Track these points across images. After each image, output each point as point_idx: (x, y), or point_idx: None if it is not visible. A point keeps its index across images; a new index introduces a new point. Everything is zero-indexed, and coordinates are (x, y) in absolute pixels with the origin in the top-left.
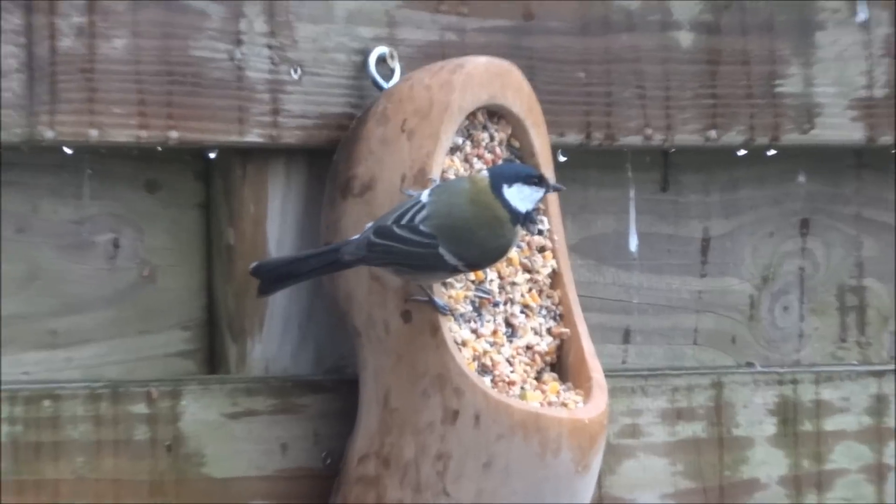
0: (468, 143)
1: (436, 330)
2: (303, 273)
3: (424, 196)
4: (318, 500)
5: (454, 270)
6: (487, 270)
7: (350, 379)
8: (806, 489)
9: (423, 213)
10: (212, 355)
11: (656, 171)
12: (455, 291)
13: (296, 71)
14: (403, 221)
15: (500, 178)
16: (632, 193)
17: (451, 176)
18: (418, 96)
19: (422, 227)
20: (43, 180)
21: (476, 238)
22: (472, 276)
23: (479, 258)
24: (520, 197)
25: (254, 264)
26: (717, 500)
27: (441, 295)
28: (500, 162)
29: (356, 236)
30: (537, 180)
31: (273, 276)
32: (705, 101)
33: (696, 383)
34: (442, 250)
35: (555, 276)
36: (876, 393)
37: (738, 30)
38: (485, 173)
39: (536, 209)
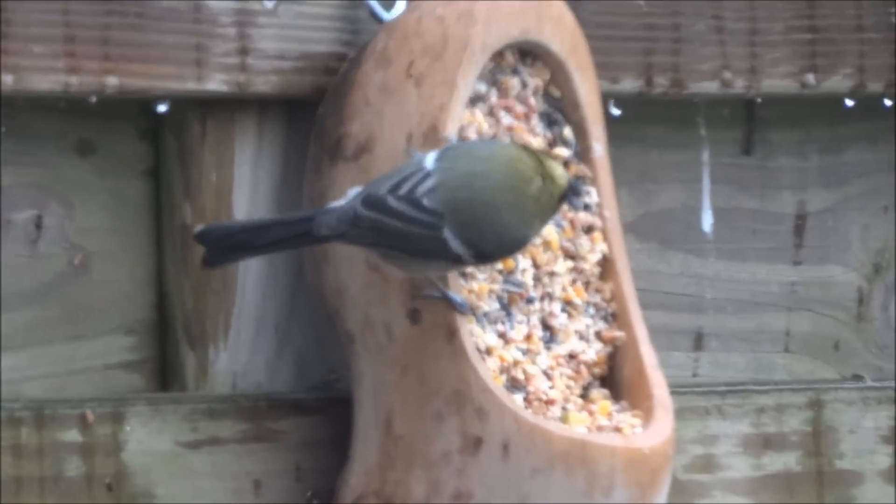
0: (494, 91)
1: (452, 334)
2: (262, 244)
3: (430, 161)
4: None
5: (456, 261)
6: (519, 257)
7: (341, 397)
8: None
9: (429, 183)
10: (164, 367)
11: (737, 128)
12: (477, 284)
13: None
14: (402, 191)
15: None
16: (705, 157)
17: (473, 135)
18: (428, 31)
19: (425, 202)
20: None
21: (500, 220)
22: (499, 264)
23: (495, 248)
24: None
25: (200, 227)
26: None
27: (458, 289)
28: (534, 115)
29: (339, 202)
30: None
31: (223, 245)
32: (801, 35)
33: (789, 402)
34: (447, 234)
35: (606, 263)
36: None
37: None
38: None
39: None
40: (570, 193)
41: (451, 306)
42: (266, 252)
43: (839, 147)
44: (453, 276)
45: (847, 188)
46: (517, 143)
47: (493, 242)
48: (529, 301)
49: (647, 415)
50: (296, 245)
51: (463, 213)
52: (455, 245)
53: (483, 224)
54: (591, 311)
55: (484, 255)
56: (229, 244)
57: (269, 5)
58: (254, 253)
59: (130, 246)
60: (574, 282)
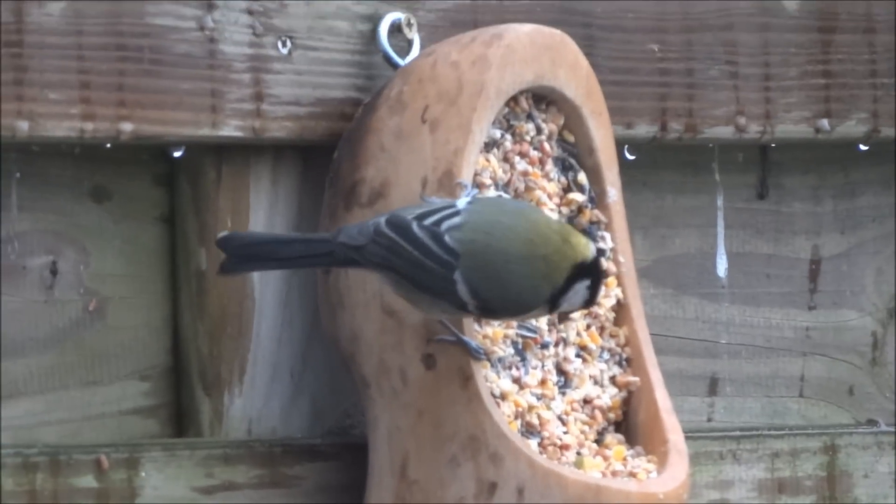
0: (508, 136)
1: (467, 379)
2: (282, 258)
3: (462, 202)
4: None
5: (460, 308)
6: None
7: (356, 443)
8: None
9: (455, 220)
10: (179, 412)
11: (752, 173)
12: (492, 329)
13: (284, 44)
14: (427, 221)
15: (591, 270)
16: (720, 201)
17: (487, 179)
18: (443, 76)
19: (446, 238)
20: None
21: (508, 272)
22: None
23: (499, 302)
24: (571, 299)
25: (223, 234)
26: None
27: (473, 334)
28: (549, 160)
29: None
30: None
31: (244, 253)
32: (815, 80)
33: (804, 447)
34: (458, 276)
35: (620, 308)
36: None
37: None
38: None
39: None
40: (591, 266)
41: (466, 351)
42: (284, 267)
43: (853, 191)
44: (468, 321)
45: (861, 232)
46: (550, 215)
47: (498, 294)
48: (544, 346)
49: (661, 460)
50: (315, 263)
51: (476, 259)
52: (462, 291)
53: (490, 273)
54: (606, 356)
55: (488, 310)
56: (249, 253)
57: (284, 51)
58: (272, 265)
59: (145, 291)
60: (588, 327)
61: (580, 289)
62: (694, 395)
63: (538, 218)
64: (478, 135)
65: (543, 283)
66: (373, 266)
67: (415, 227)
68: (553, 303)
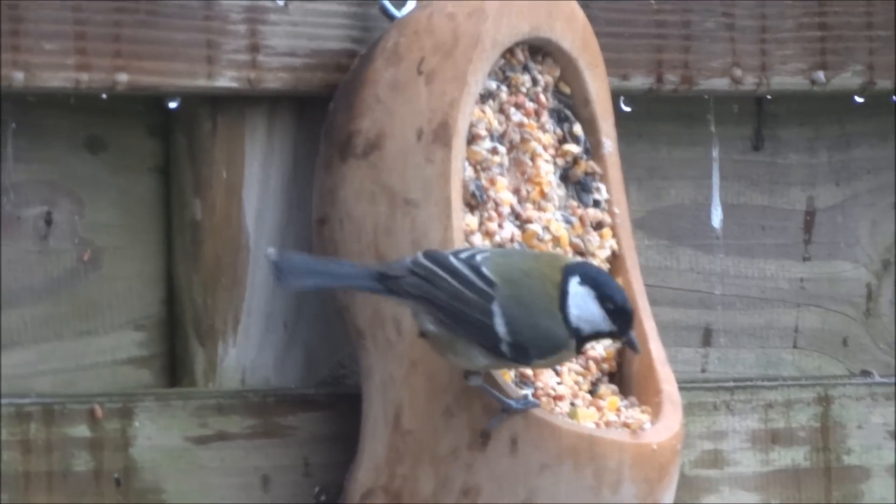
0: (504, 88)
1: None
2: (337, 275)
3: (478, 247)
4: None
5: (493, 349)
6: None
7: (350, 393)
8: None
9: (485, 254)
10: (173, 363)
11: (747, 125)
12: None
13: None
14: (462, 255)
15: (579, 267)
16: (715, 153)
17: (482, 131)
18: (439, 27)
19: (483, 269)
20: None
21: (535, 306)
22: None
23: (531, 339)
24: (581, 306)
25: (274, 255)
26: None
27: (514, 390)
28: (544, 112)
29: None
30: (613, 311)
31: (301, 269)
32: (811, 32)
33: (797, 398)
34: (495, 308)
35: (615, 259)
36: None
37: None
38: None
39: (595, 334)
40: (577, 343)
41: (517, 412)
42: (336, 286)
43: (848, 143)
44: (505, 376)
45: (856, 184)
46: (548, 253)
47: (531, 332)
48: None
49: (655, 410)
50: (362, 288)
51: (510, 288)
52: (499, 325)
53: (525, 305)
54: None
55: (519, 346)
56: (306, 269)
57: (280, 3)
58: (329, 281)
59: (140, 242)
60: None
61: (586, 298)
62: (688, 345)
63: (533, 255)
64: (473, 86)
65: (555, 322)
66: (412, 298)
67: (452, 258)
68: (575, 333)
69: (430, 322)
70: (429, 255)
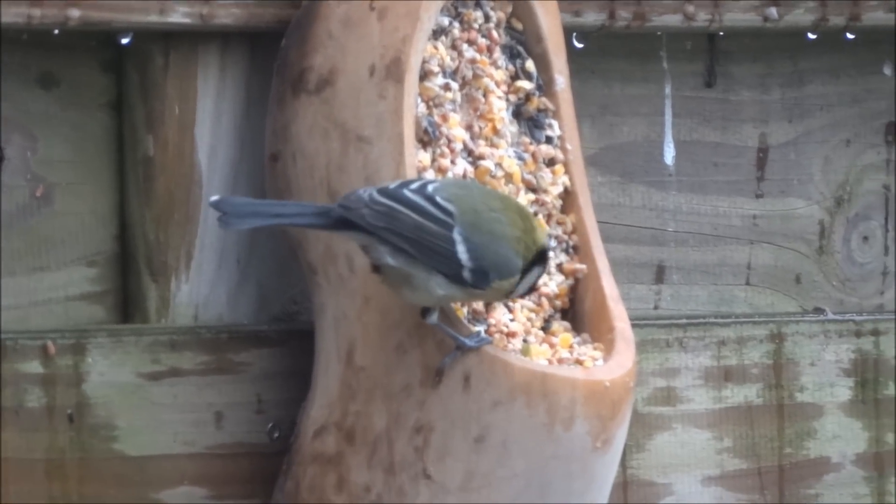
0: (456, 24)
1: None
2: (283, 214)
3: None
4: (261, 483)
5: (455, 276)
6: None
7: (303, 329)
8: (890, 470)
9: (435, 185)
10: (125, 299)
11: (700, 62)
12: None
13: None
14: (413, 186)
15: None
16: (668, 90)
17: (435, 67)
18: None
19: (438, 198)
20: None
21: (498, 230)
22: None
23: (492, 264)
24: (526, 282)
25: (215, 198)
26: (776, 484)
27: (467, 328)
28: (497, 48)
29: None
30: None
31: (244, 211)
32: None
33: (750, 335)
34: (457, 235)
35: (567, 196)
36: None
37: None
38: None
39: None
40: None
41: (471, 350)
42: (283, 223)
43: (801, 80)
44: (461, 310)
45: (809, 121)
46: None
47: (492, 251)
48: None
49: (608, 347)
50: (312, 224)
51: (468, 215)
52: (461, 251)
53: (483, 228)
54: (553, 243)
55: (481, 271)
56: (249, 211)
57: None
58: (273, 220)
59: (92, 178)
60: (536, 214)
61: (534, 274)
62: (641, 282)
63: (493, 192)
64: (426, 22)
65: (520, 248)
66: (378, 230)
67: (406, 191)
68: (522, 275)
69: (388, 254)
70: (384, 191)
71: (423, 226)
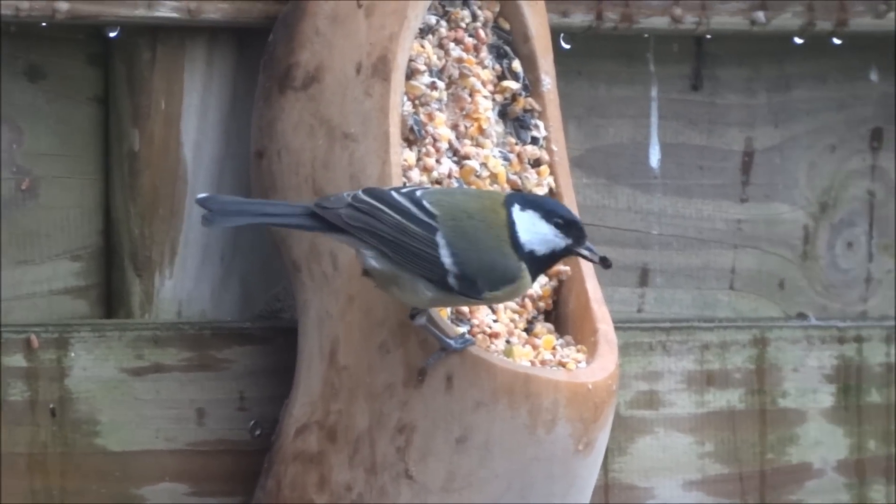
0: (443, 23)
1: None
2: (267, 213)
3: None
4: (243, 480)
5: (439, 283)
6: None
7: (286, 327)
8: (872, 477)
9: (423, 190)
10: (109, 293)
11: (686, 64)
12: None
13: None
14: (404, 189)
15: (516, 196)
16: (654, 92)
17: (422, 65)
18: None
19: (424, 202)
20: None
21: (481, 241)
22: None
23: (477, 271)
24: (530, 230)
25: (202, 196)
26: (757, 489)
27: (451, 329)
28: (484, 48)
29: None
30: (562, 224)
31: (229, 210)
32: None
33: (733, 339)
34: (440, 239)
35: (553, 197)
36: None
37: None
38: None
39: (552, 253)
40: (535, 268)
41: (455, 352)
42: (267, 222)
43: (787, 85)
44: (444, 312)
45: (794, 126)
46: (487, 190)
47: (477, 263)
48: None
49: (591, 350)
50: (296, 224)
51: (454, 223)
52: (445, 256)
53: (469, 238)
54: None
55: (467, 278)
56: (234, 210)
57: None
58: (258, 219)
59: (78, 171)
60: None
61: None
62: (624, 285)
63: (474, 192)
64: (413, 20)
65: (506, 254)
66: (355, 231)
67: (394, 193)
68: (530, 258)
69: (373, 258)
70: (369, 191)
71: (405, 227)
